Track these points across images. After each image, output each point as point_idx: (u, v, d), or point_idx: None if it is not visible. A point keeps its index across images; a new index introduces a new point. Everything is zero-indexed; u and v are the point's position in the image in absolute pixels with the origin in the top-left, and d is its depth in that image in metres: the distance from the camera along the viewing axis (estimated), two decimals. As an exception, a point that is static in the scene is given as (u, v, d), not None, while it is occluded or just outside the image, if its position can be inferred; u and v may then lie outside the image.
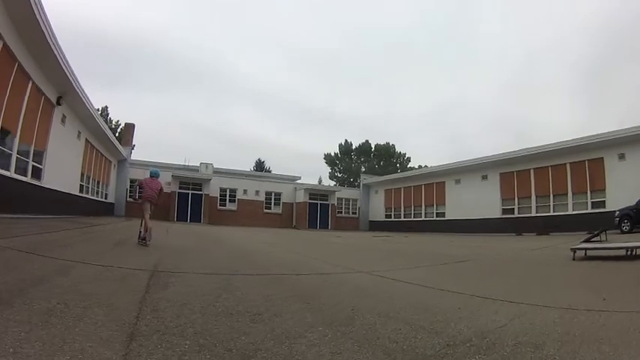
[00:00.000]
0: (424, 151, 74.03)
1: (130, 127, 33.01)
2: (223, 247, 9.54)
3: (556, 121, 60.43)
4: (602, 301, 3.71)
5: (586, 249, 7.82)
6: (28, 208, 11.87)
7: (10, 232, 6.37)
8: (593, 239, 10.17)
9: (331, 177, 52.02)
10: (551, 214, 19.78)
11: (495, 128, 67.94)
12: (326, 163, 52.67)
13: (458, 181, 25.97)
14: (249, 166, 50.69)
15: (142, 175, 28.76)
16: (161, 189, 8.74)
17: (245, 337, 2.46)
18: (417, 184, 29.48)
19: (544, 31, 61.19)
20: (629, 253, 7.07)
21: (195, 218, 28.34)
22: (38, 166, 12.82)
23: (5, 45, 9.54)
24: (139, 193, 9.11)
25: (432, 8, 69.64)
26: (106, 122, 39.71)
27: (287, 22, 73.77)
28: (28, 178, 12.02)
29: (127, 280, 3.93)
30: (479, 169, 24.12)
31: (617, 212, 15.25)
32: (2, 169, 10.49)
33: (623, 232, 14.26)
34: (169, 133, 70.40)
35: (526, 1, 62.63)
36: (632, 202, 14.84)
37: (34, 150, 12.34)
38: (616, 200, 16.37)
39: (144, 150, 65.45)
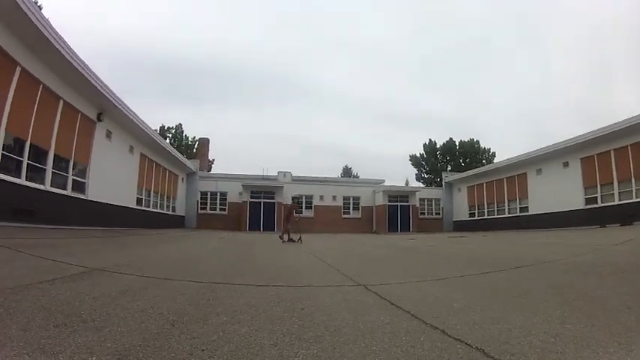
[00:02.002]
0: (509, 145, 68.44)
1: (204, 142, 34.78)
2: (241, 252, 8.27)
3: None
4: None
5: None
6: (73, 220, 11.99)
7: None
8: None
9: (418, 178, 49.92)
10: (635, 200, 16.46)
11: (577, 113, 60.99)
12: (412, 164, 50.92)
13: (539, 171, 22.88)
14: (337, 172, 51.93)
15: (214, 187, 30.90)
16: (294, 209, 14.04)
17: None
18: (499, 177, 26.21)
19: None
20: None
21: (269, 227, 27.74)
22: (80, 180, 13.11)
23: (26, 71, 9.95)
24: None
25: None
26: (181, 138, 42.84)
27: (363, 27, 73.61)
28: (68, 192, 12.31)
29: None
30: (559, 154, 20.99)
31: None
32: (38, 182, 11.36)
33: None
34: (255, 146, 74.44)
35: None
36: None
37: (74, 164, 12.58)
38: None
39: (228, 163, 70.05)
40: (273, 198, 29.05)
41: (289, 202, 31.86)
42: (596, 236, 11.26)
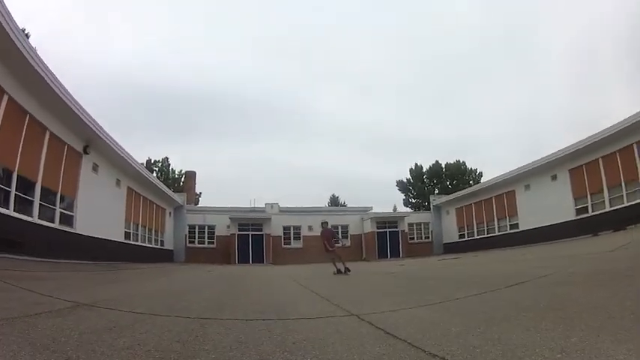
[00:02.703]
0: (498, 162, 69.52)
1: (191, 175, 34.75)
2: (230, 286, 8.01)
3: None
4: None
5: None
6: (60, 253, 11.64)
7: None
8: None
9: (405, 203, 49.57)
10: (626, 204, 16.63)
11: (565, 124, 63.35)
12: (399, 189, 50.90)
13: (527, 187, 23.20)
14: (325, 202, 51.75)
15: (202, 220, 30.67)
16: (330, 234, 12.39)
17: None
18: (487, 197, 26.53)
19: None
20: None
21: (258, 259, 27.47)
22: (68, 213, 13.00)
23: (13, 100, 9.86)
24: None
25: (490, 24, 67.99)
26: (168, 172, 42.59)
27: (351, 53, 75.94)
28: (56, 225, 12.19)
29: None
30: (547, 168, 21.30)
31: None
32: (26, 214, 11.26)
33: None
34: (243, 178, 74.31)
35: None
36: None
37: (61, 197, 12.51)
38: None
39: (216, 196, 69.68)
40: (261, 230, 28.94)
41: (279, 233, 32.44)
42: (590, 245, 11.42)
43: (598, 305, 3.24)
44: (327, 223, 12.74)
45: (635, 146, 16.28)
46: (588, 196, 19.03)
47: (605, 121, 55.23)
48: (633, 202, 16.26)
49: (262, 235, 28.71)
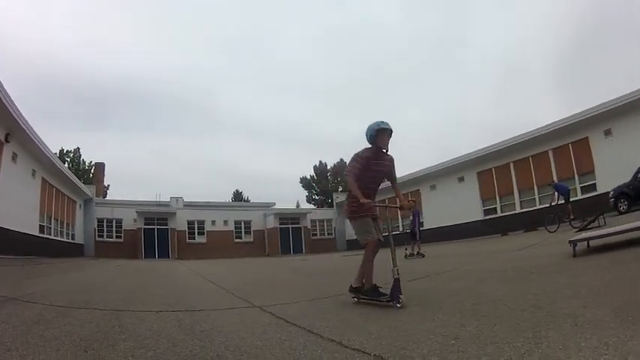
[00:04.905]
0: (408, 164, 74.51)
1: (100, 167, 32.83)
2: (139, 280, 8.14)
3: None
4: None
5: (588, 239, 5.83)
6: None
7: None
8: (590, 226, 8.74)
9: (309, 200, 50.13)
10: (538, 207, 17.57)
11: (483, 130, 68.09)
12: (302, 186, 51.01)
13: (433, 187, 24.14)
14: (228, 197, 50.47)
15: (110, 214, 29.13)
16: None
17: None
18: (391, 195, 28.06)
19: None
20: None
21: (163, 254, 26.97)
22: None
23: None
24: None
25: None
26: (79, 163, 39.59)
27: (268, 50, 75.45)
28: None
29: None
30: (455, 170, 22.28)
31: (612, 192, 12.95)
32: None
33: (621, 213, 12.08)
34: (151, 170, 70.22)
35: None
36: (626, 180, 12.67)
37: None
38: (607, 181, 14.39)
39: (123, 189, 65.27)
40: (166, 224, 28.25)
41: (184, 228, 29.35)
42: (499, 244, 12.03)
43: (497, 299, 3.40)
44: None
45: (550, 152, 17.80)
46: (497, 198, 20.19)
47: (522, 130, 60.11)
48: (546, 205, 16.16)
49: (168, 229, 28.16)
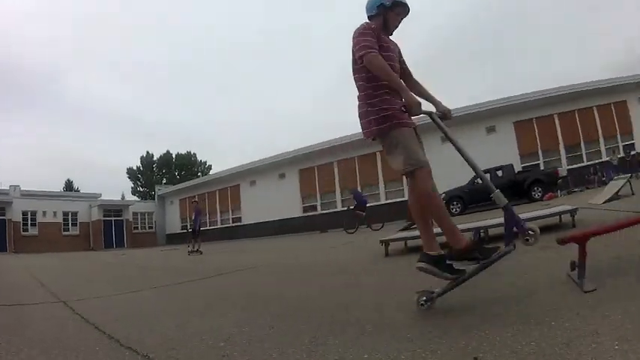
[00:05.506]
0: (229, 158, 71.84)
1: None
2: None
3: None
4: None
5: (406, 239, 5.38)
6: None
7: None
8: (414, 226, 8.69)
9: (133, 192, 45.98)
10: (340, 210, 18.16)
11: (301, 127, 69.87)
12: (128, 177, 47.03)
13: (253, 183, 23.92)
14: (61, 186, 45.24)
15: None
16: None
17: None
18: (212, 189, 26.75)
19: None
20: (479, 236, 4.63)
21: (1, 247, 23.81)
22: None
23: None
24: None
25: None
26: None
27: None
28: None
29: None
30: (275, 167, 22.13)
31: (443, 194, 12.61)
32: None
33: (453, 215, 11.72)
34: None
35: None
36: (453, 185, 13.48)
37: None
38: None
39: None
40: (4, 215, 24.93)
41: (19, 219, 26.04)
42: (317, 242, 11.68)
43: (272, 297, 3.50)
44: None
45: (377, 154, 17.45)
46: (318, 196, 20.38)
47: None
48: (373, 204, 16.76)
49: (5, 220, 25.11)
